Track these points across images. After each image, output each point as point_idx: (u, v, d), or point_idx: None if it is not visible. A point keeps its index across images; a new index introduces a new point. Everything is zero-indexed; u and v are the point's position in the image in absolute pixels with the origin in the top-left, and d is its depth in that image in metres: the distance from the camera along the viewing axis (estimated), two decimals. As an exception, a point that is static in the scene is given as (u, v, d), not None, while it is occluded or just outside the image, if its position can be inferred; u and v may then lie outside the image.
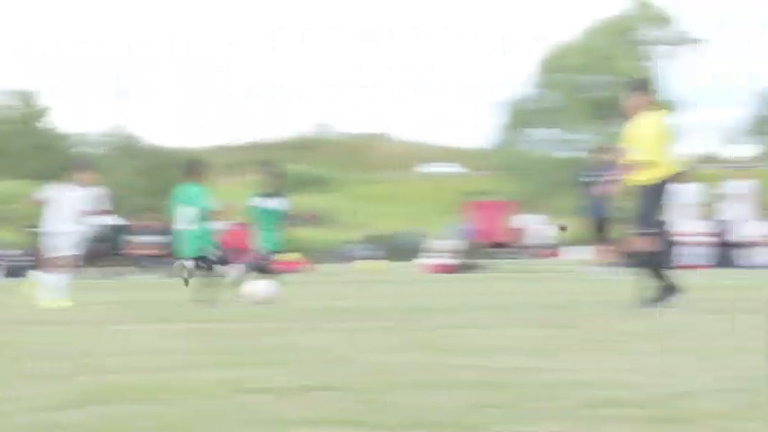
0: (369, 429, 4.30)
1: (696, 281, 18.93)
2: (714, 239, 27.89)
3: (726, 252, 28.18)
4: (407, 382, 5.59)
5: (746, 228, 27.08)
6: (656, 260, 11.76)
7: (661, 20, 71.34)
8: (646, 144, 11.74)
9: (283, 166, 16.19)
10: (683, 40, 71.52)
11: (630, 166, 11.84)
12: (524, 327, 9.16)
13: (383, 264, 33.40)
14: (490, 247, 29.57)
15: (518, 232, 35.81)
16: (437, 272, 27.30)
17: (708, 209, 28.35)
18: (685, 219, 27.83)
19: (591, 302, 12.45)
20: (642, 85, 12.34)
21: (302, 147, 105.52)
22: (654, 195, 11.75)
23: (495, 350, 7.21)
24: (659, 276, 11.72)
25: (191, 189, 13.56)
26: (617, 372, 5.91)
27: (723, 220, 28.73)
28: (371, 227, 55.64)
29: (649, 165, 11.67)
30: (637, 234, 11.82)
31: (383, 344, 7.81)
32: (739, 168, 29.32)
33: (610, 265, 22.82)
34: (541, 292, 14.32)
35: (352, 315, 11.03)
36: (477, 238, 29.00)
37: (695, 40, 71.72)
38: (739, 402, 4.79)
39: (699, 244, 27.59)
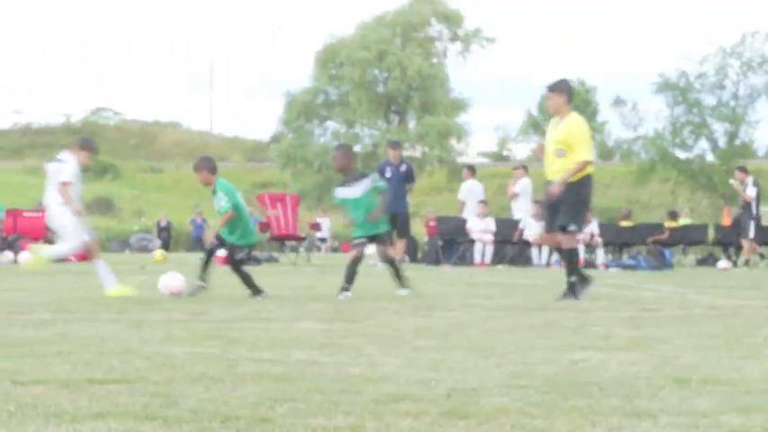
0: (153, 422, 4.18)
1: (482, 279, 19.31)
2: (499, 238, 28.51)
3: (517, 250, 28.88)
4: (193, 375, 5.47)
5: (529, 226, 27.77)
6: (575, 256, 13.03)
7: (451, 17, 72.22)
8: (583, 143, 12.36)
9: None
10: (473, 39, 72.60)
11: (578, 167, 12.29)
12: (313, 320, 9.11)
13: (163, 253, 32.87)
14: (279, 239, 29.48)
15: (306, 225, 35.87)
16: (222, 264, 27.05)
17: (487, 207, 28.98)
18: (474, 216, 28.40)
19: (377, 297, 12.51)
20: (563, 86, 12.57)
21: (78, 132, 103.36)
22: (583, 193, 12.47)
23: (284, 343, 7.14)
24: (575, 271, 12.49)
25: None
26: (407, 367, 5.91)
27: (510, 219, 29.42)
28: (153, 217, 54.81)
29: (585, 164, 12.36)
30: (564, 230, 12.43)
31: (168, 335, 7.64)
32: (518, 167, 30.05)
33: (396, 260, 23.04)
34: (328, 285, 14.31)
35: (136, 306, 10.77)
36: (268, 230, 28.85)
37: (488, 39, 72.88)
38: (530, 399, 4.84)
39: (486, 242, 28.16)
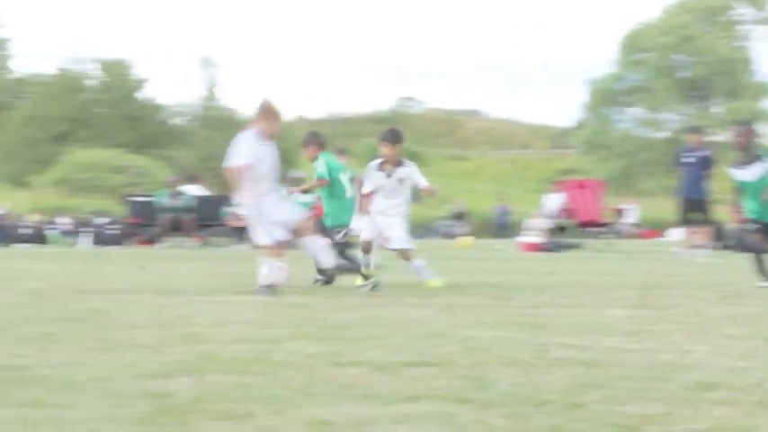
0: (465, 406, 4.26)
1: None
2: None
3: None
4: (504, 359, 5.55)
5: None
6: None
7: (755, 0, 70.30)
8: None
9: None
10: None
11: None
12: (620, 307, 9.05)
13: (471, 240, 33.24)
14: (583, 226, 29.28)
15: (611, 212, 35.46)
16: (529, 250, 27.14)
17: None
18: None
19: (685, 284, 12.27)
20: None
21: (385, 121, 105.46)
22: None
23: (591, 329, 7.13)
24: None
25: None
26: (716, 355, 5.81)
27: None
28: (457, 203, 55.35)
29: None
30: None
31: (477, 320, 7.77)
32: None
33: (700, 247, 22.56)
34: (636, 272, 14.14)
35: (444, 291, 10.98)
36: (571, 217, 28.72)
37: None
38: None
39: None
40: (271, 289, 10.36)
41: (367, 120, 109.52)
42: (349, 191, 12.97)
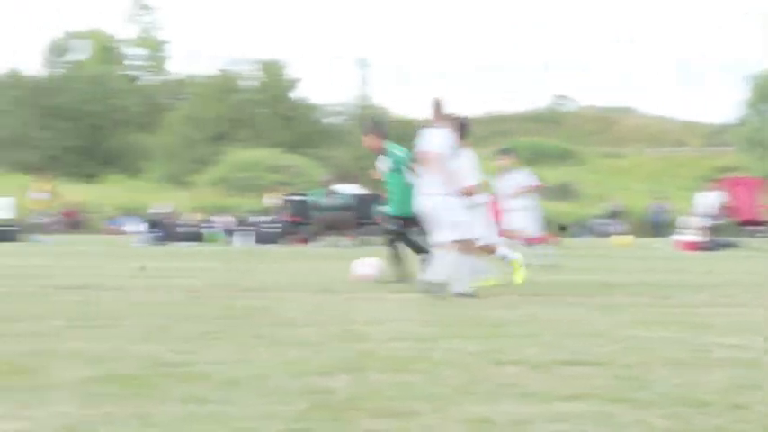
0: (623, 405, 4.22)
1: None
2: None
3: None
4: (663, 359, 5.47)
5: None
6: None
7: None
8: None
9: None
10: None
11: None
12: (780, 306, 8.84)
13: (631, 239, 32.83)
14: (743, 224, 28.62)
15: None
16: (687, 249, 26.66)
17: None
18: None
19: None
20: None
21: (540, 120, 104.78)
22: None
23: (751, 329, 6.99)
24: None
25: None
26: None
27: None
28: (613, 201, 54.66)
29: None
30: None
31: (634, 319, 7.67)
32: None
33: None
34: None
35: (600, 289, 10.87)
36: (730, 215, 28.14)
37: None
38: None
39: None
40: (442, 286, 10.11)
41: (523, 118, 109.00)
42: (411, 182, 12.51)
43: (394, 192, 12.65)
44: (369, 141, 12.70)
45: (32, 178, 37.41)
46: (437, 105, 10.70)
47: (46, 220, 36.16)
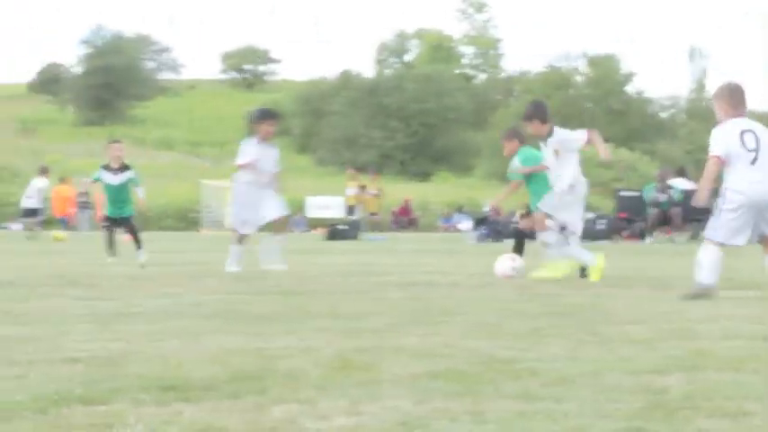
0: None
1: None
2: None
3: None
4: None
5: None
6: None
7: None
8: None
9: None
10: None
11: None
12: None
13: None
14: None
15: None
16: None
17: None
18: None
19: None
20: None
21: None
22: None
23: None
24: None
25: None
26: None
27: None
28: None
29: None
30: None
31: None
32: None
33: None
34: None
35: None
36: None
37: None
38: None
39: None
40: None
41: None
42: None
43: (536, 187, 12.71)
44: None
45: (349, 175, 38.26)
46: (726, 90, 9.69)
47: (376, 218, 37.10)
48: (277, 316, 7.53)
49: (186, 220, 51.29)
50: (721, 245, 9.20)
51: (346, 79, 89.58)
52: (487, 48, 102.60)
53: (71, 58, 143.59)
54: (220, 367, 4.98)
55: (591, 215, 33.26)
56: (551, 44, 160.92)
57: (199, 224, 49.07)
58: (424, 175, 74.65)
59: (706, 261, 9.16)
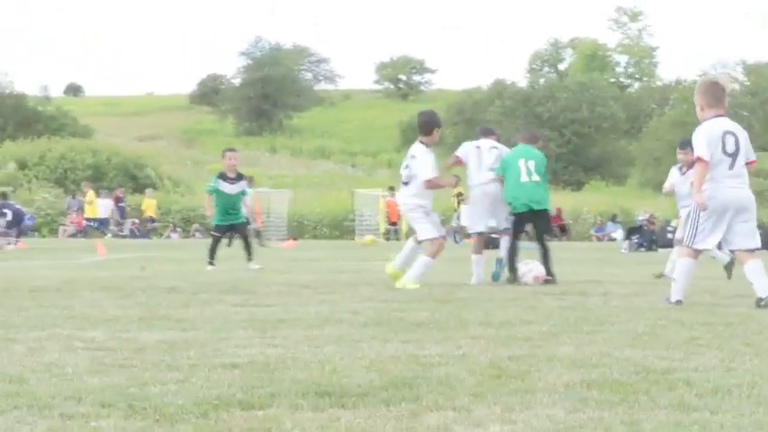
0: None
1: None
2: None
3: None
4: None
5: None
6: None
7: None
8: None
9: None
10: None
11: None
12: None
13: None
14: None
15: None
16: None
17: None
18: None
19: None
20: None
21: None
22: None
23: None
24: None
25: None
26: None
27: None
28: None
29: None
30: None
31: None
32: None
33: None
34: None
35: None
36: None
37: None
38: None
39: None
40: None
41: None
42: None
43: None
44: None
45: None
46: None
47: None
48: (431, 323, 7.59)
49: (341, 228, 51.67)
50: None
51: (500, 88, 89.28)
52: (642, 56, 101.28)
53: (231, 69, 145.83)
54: (376, 374, 5.06)
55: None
56: (708, 52, 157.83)
57: (353, 232, 49.40)
58: (577, 184, 73.95)
59: None
